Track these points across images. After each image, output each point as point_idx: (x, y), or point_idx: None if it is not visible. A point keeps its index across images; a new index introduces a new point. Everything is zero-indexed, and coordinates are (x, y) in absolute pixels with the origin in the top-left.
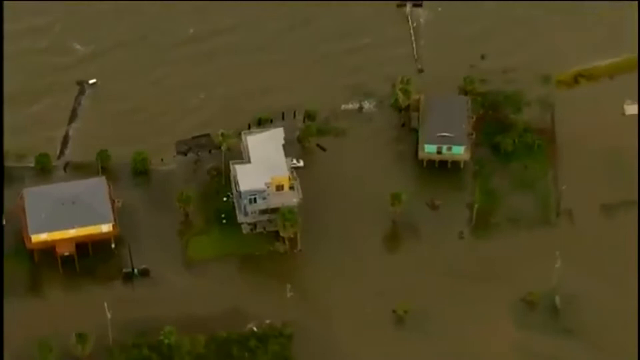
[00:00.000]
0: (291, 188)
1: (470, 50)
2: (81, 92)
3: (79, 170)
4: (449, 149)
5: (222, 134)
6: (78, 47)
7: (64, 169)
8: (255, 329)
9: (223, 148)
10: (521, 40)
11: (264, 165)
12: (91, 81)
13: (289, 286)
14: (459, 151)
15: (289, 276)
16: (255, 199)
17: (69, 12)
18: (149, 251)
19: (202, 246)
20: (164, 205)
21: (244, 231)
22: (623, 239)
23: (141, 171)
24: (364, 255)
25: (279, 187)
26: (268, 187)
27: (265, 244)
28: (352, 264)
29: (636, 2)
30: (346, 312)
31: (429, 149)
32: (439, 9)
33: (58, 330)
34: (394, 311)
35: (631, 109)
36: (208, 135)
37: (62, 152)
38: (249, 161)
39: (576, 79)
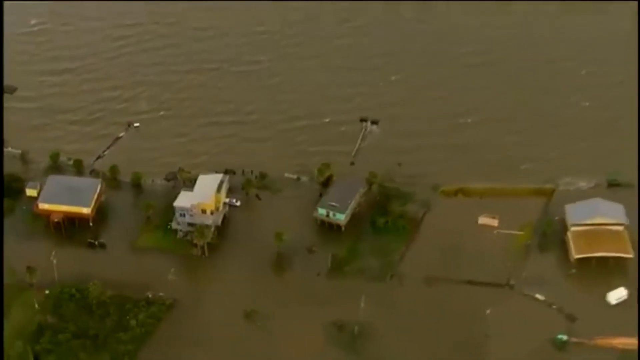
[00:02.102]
0: (212, 213)
1: (395, 159)
2: (126, 130)
3: (98, 175)
4: (334, 214)
5: (179, 170)
6: (144, 106)
7: (90, 172)
8: (150, 296)
9: (179, 179)
10: (436, 160)
11: (199, 194)
12: (135, 124)
13: (172, 270)
14: (341, 217)
15: (191, 270)
16: (184, 214)
17: (155, 93)
18: (112, 233)
19: (148, 239)
20: (136, 208)
21: (178, 236)
22: (426, 302)
23: (136, 184)
24: (247, 270)
25: (204, 211)
26: (193, 208)
27: (187, 248)
28: (236, 273)
29: (636, 2)
30: (215, 302)
31: (320, 212)
32: (381, 83)
33: (27, 265)
34: (245, 310)
35: (483, 220)
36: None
37: (93, 163)
38: (192, 190)
39: (456, 193)
